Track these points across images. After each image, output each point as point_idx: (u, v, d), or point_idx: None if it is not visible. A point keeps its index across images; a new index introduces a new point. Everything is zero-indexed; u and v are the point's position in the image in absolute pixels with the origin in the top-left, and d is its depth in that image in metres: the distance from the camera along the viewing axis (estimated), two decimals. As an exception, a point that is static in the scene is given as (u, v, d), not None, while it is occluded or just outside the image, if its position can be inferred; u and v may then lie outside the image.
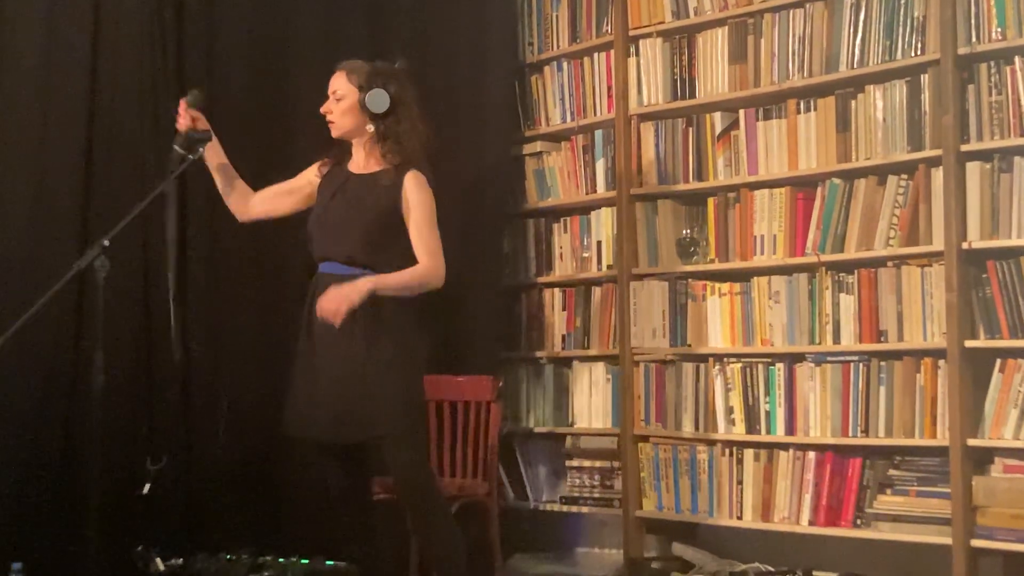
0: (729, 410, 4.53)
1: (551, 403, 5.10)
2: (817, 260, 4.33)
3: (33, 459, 4.15)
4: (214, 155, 3.92)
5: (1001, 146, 3.93)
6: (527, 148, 5.23)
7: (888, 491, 4.13)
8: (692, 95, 4.71)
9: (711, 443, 4.58)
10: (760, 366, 4.46)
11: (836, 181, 4.31)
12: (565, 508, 5.01)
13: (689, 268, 4.69)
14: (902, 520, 4.08)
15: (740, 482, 4.49)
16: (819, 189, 4.36)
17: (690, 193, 4.74)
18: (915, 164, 4.12)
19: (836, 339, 4.27)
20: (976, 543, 3.90)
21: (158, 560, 3.61)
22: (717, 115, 4.65)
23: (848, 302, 4.25)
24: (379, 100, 3.77)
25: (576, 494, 4.97)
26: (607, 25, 4.97)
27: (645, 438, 4.77)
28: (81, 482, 3.75)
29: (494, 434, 4.51)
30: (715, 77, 4.65)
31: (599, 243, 4.99)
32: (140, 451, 4.05)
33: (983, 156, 3.97)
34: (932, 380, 4.04)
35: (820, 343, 4.31)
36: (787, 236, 4.43)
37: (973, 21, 3.97)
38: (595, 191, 5.01)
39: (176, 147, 3.83)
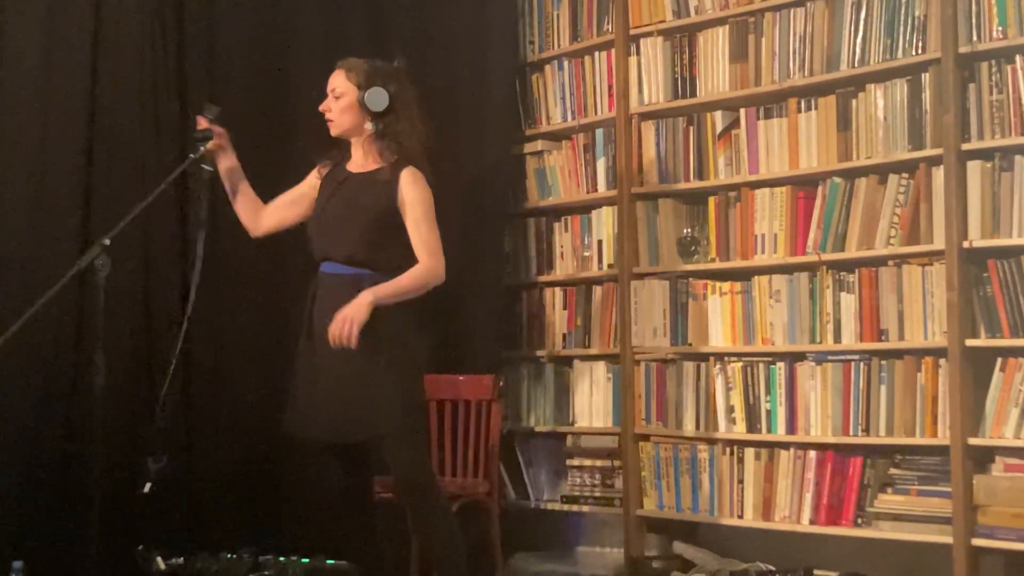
0: (730, 409, 4.53)
1: (552, 402, 5.10)
2: (818, 259, 4.33)
3: (34, 458, 4.15)
4: (231, 174, 3.91)
5: (1002, 145, 3.93)
6: (528, 147, 5.23)
7: (889, 490, 4.14)
8: (693, 94, 4.71)
9: (712, 442, 4.58)
10: (761, 365, 4.46)
11: (837, 180, 4.31)
12: (566, 507, 5.01)
13: (690, 267, 4.69)
14: (903, 519, 4.08)
15: (741, 481, 4.49)
16: (820, 188, 4.36)
17: (691, 192, 4.74)
18: (916, 163, 4.12)
19: (837, 338, 4.27)
20: (977, 542, 3.90)
21: (159, 559, 3.61)
22: (718, 114, 4.65)
23: (849, 301, 4.25)
24: (378, 98, 3.78)
25: (577, 493, 4.97)
26: (608, 24, 4.97)
27: (646, 437, 4.77)
28: (82, 481, 3.75)
29: (495, 433, 4.51)
30: (716, 76, 4.65)
31: (600, 242, 4.99)
32: (141, 450, 4.04)
33: (984, 155, 3.97)
34: (933, 379, 4.04)
35: (821, 342, 4.31)
36: (788, 235, 4.43)
37: (974, 20, 3.97)
38: (596, 190, 5.01)
39: (204, 166, 3.83)
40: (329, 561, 3.66)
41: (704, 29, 4.68)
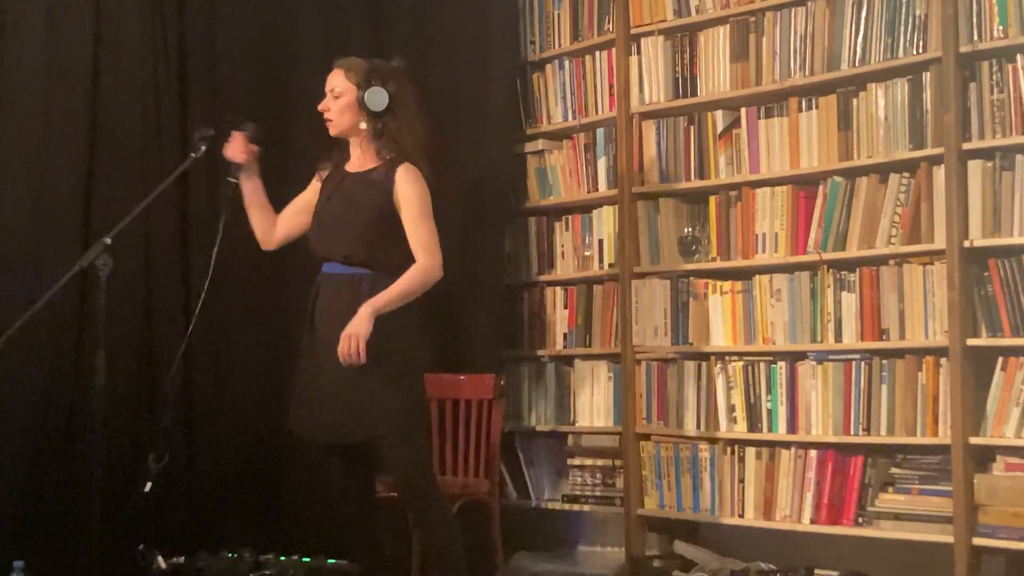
0: (731, 408, 4.53)
1: (553, 401, 5.10)
2: (819, 258, 4.33)
3: (35, 457, 4.16)
4: (256, 190, 3.91)
5: (1003, 144, 3.93)
6: (529, 146, 5.23)
7: (890, 489, 4.14)
8: (694, 93, 4.71)
9: (713, 441, 4.58)
10: (762, 364, 4.46)
11: (838, 179, 4.31)
12: (567, 506, 5.01)
13: (691, 266, 4.69)
14: (904, 518, 4.08)
15: (742, 480, 4.49)
16: (821, 187, 4.36)
17: (692, 191, 4.74)
18: (917, 162, 4.12)
19: (838, 337, 4.27)
20: (978, 541, 3.90)
21: (160, 558, 3.61)
22: (719, 113, 4.65)
23: (850, 300, 4.25)
24: (378, 98, 3.78)
25: (578, 492, 4.97)
26: (609, 23, 4.97)
27: (647, 436, 4.77)
28: (83, 480, 3.75)
29: (496, 432, 4.51)
30: (717, 75, 4.65)
31: (601, 241, 4.99)
32: (142, 449, 4.05)
33: (985, 154, 3.97)
34: (934, 378, 4.04)
35: (822, 341, 4.31)
36: (789, 234, 4.43)
37: (975, 19, 3.97)
38: (597, 189, 5.01)
39: (229, 178, 3.83)
40: (330, 560, 3.66)
41: (705, 28, 4.68)
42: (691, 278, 4.68)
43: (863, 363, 4.20)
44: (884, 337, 4.17)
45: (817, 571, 4.33)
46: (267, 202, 3.94)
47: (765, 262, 4.48)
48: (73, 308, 4.16)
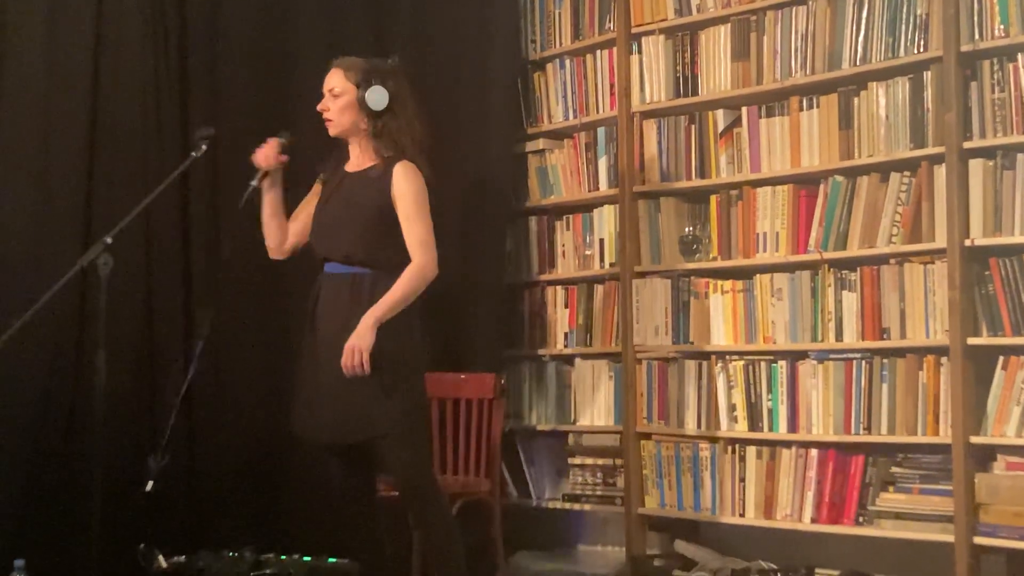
0: (732, 407, 4.53)
1: (553, 401, 5.10)
2: (820, 257, 4.33)
3: (36, 456, 4.16)
4: (276, 199, 3.89)
5: (1004, 143, 3.93)
6: (529, 145, 5.23)
7: (891, 488, 4.14)
8: (695, 92, 4.71)
9: (714, 440, 4.58)
10: (763, 363, 4.46)
11: (839, 178, 4.31)
12: (568, 505, 5.01)
13: (692, 265, 4.69)
14: (905, 517, 4.08)
15: (743, 479, 4.49)
16: (822, 186, 4.36)
17: (693, 190, 4.74)
18: (918, 161, 4.12)
19: (839, 336, 4.27)
20: (979, 540, 3.90)
21: (161, 557, 3.61)
22: (720, 112, 4.65)
23: (851, 299, 4.25)
24: (379, 96, 3.77)
25: (579, 491, 4.97)
26: (610, 22, 4.97)
27: (648, 435, 4.77)
28: (84, 479, 3.75)
29: (497, 432, 4.51)
30: (718, 74, 4.65)
31: (601, 241, 4.99)
32: (143, 448, 4.05)
33: (986, 153, 3.97)
34: (935, 377, 4.04)
35: (823, 340, 4.31)
36: (790, 233, 4.43)
37: (976, 18, 3.97)
38: (597, 189, 5.01)
39: (252, 183, 3.81)
40: (331, 559, 3.66)
41: (706, 27, 4.68)
42: (692, 277, 4.68)
43: (864, 362, 4.20)
44: (885, 336, 4.17)
45: (818, 570, 4.33)
46: (284, 213, 3.92)
47: (766, 261, 4.48)
48: (74, 308, 4.16)
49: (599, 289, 4.98)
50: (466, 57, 5.14)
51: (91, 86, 4.34)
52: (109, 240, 3.49)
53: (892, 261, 4.17)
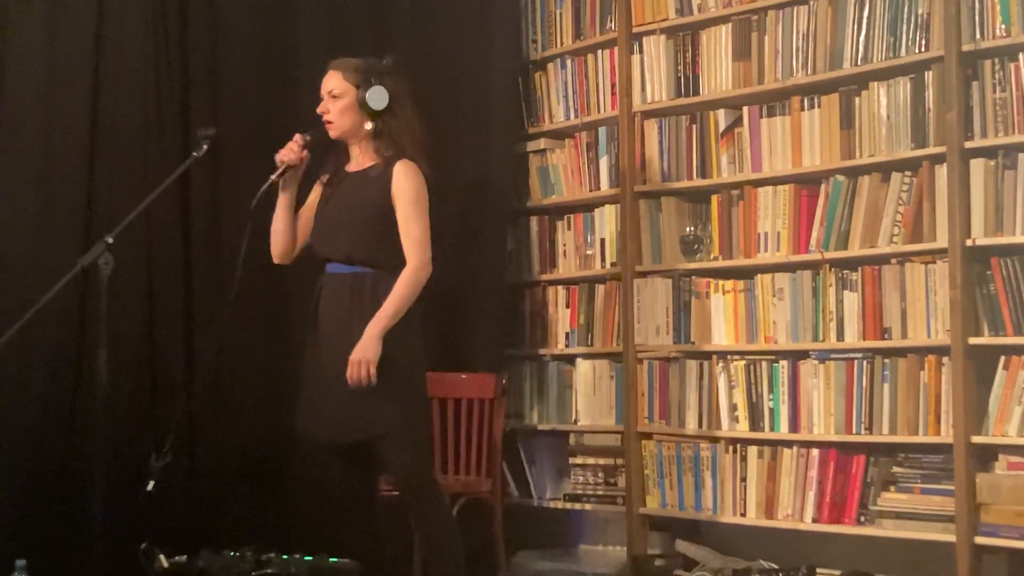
0: (733, 407, 4.53)
1: (555, 400, 5.10)
2: (821, 257, 4.33)
3: (37, 455, 4.16)
4: (289, 200, 3.86)
5: (1005, 143, 3.92)
6: (531, 145, 5.23)
7: (892, 488, 4.13)
8: (696, 92, 4.71)
9: (715, 440, 4.58)
10: (764, 363, 4.46)
11: (840, 178, 4.31)
12: (569, 505, 5.01)
13: (693, 265, 4.69)
14: (906, 517, 4.08)
15: (744, 479, 4.49)
16: (823, 186, 4.36)
17: (694, 190, 4.74)
18: (919, 161, 4.12)
19: (840, 336, 4.27)
20: (980, 540, 3.90)
21: (162, 557, 3.61)
22: (721, 112, 4.64)
23: (852, 299, 4.25)
24: (379, 97, 3.77)
25: (580, 491, 4.97)
26: (611, 22, 4.97)
27: (649, 435, 4.77)
28: (85, 479, 3.75)
29: (498, 431, 4.51)
30: (719, 74, 4.65)
31: (603, 240, 4.99)
32: (144, 448, 4.05)
33: (987, 153, 3.97)
34: (936, 377, 4.04)
35: (824, 340, 4.31)
36: (791, 233, 4.42)
37: (977, 18, 3.97)
38: (599, 188, 5.01)
39: (272, 177, 3.77)
40: (332, 559, 3.67)
41: (707, 27, 4.68)
42: (693, 277, 4.68)
43: (865, 362, 4.19)
44: (886, 336, 4.17)
45: (819, 570, 4.32)
46: (293, 218, 3.90)
47: (767, 261, 4.48)
48: (74, 307, 4.16)
49: (600, 289, 4.98)
50: (467, 57, 5.14)
51: (91, 86, 4.34)
52: (110, 240, 3.49)
53: (893, 261, 4.17)
